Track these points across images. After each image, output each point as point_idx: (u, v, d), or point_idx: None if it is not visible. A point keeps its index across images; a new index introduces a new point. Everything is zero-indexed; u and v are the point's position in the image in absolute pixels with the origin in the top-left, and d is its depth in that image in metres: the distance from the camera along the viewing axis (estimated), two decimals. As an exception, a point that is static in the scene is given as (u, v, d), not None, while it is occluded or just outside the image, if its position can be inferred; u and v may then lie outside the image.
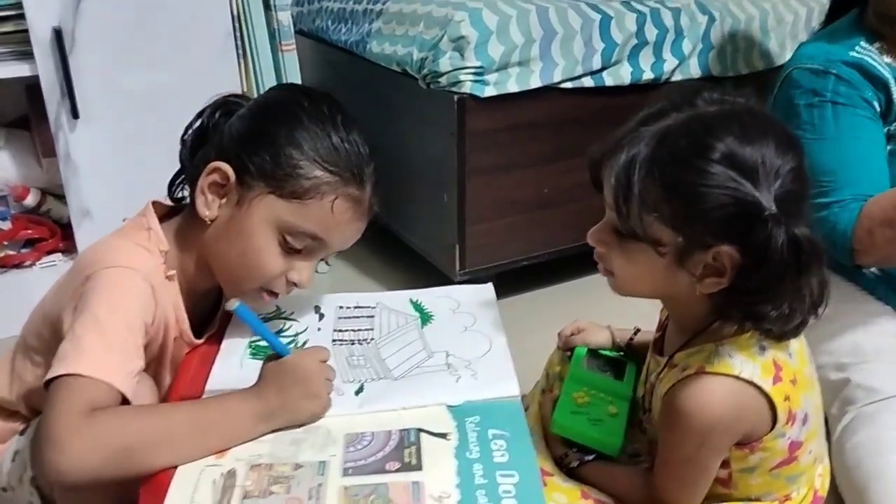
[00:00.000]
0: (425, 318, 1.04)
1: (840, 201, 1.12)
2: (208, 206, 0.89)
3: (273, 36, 1.88)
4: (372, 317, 1.04)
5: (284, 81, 1.91)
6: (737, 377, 0.79)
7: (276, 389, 0.80)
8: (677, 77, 1.84)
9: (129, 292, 0.83)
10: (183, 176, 0.97)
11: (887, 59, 1.20)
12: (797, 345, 0.86)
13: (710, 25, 1.85)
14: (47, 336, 0.90)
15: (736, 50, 1.91)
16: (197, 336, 0.96)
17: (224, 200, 0.89)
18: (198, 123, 0.94)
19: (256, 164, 0.86)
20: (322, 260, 0.95)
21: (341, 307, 1.06)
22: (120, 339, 0.80)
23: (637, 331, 1.12)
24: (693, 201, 0.74)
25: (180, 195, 0.98)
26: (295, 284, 0.92)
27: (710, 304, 0.81)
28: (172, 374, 0.95)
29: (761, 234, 0.73)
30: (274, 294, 0.94)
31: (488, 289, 1.10)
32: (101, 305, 0.80)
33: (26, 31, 1.58)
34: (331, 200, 0.87)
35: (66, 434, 0.71)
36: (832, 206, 1.12)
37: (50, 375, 0.76)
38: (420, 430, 0.80)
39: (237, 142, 0.89)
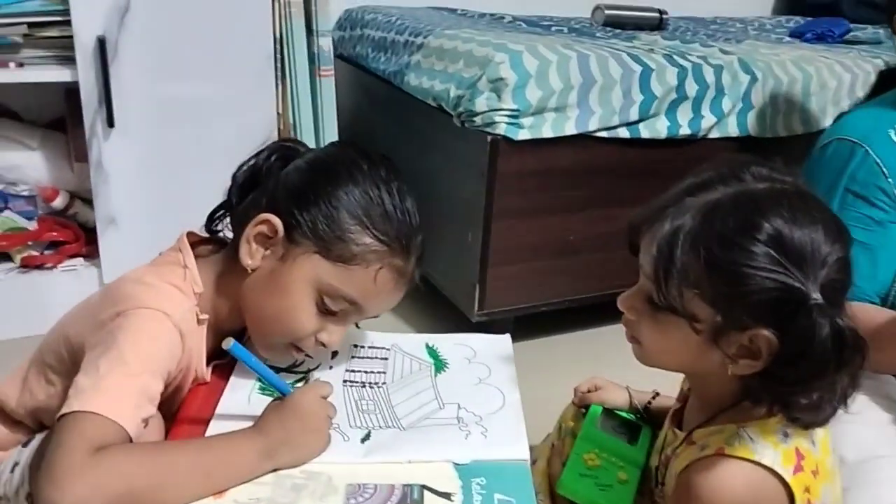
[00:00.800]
0: (439, 365, 1.02)
1: None
2: (251, 256, 0.88)
3: (312, 60, 1.89)
4: (385, 359, 1.02)
5: (320, 106, 1.92)
6: (757, 463, 0.76)
7: (277, 424, 0.79)
8: (714, 134, 1.82)
9: (159, 339, 0.82)
10: (223, 210, 0.96)
11: None
12: (822, 433, 0.83)
13: (752, 85, 1.84)
14: (66, 358, 0.89)
15: (776, 112, 1.89)
16: (207, 364, 0.95)
17: (268, 252, 0.88)
18: (252, 163, 0.93)
19: (307, 221, 0.85)
20: (354, 323, 0.94)
21: (355, 346, 1.05)
22: (142, 385, 0.79)
23: (656, 395, 1.09)
24: (736, 282, 0.72)
25: (217, 228, 0.97)
26: (323, 345, 0.91)
27: (738, 385, 0.79)
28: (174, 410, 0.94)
29: (804, 322, 0.70)
30: (301, 351, 0.93)
31: (506, 340, 1.08)
32: (129, 347, 0.79)
33: (71, 37, 1.61)
34: (376, 269, 0.86)
35: (69, 475, 0.69)
36: None
37: (66, 410, 0.74)
38: (424, 487, 0.78)
39: (290, 195, 0.87)
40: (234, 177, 0.94)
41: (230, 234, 0.96)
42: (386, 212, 0.87)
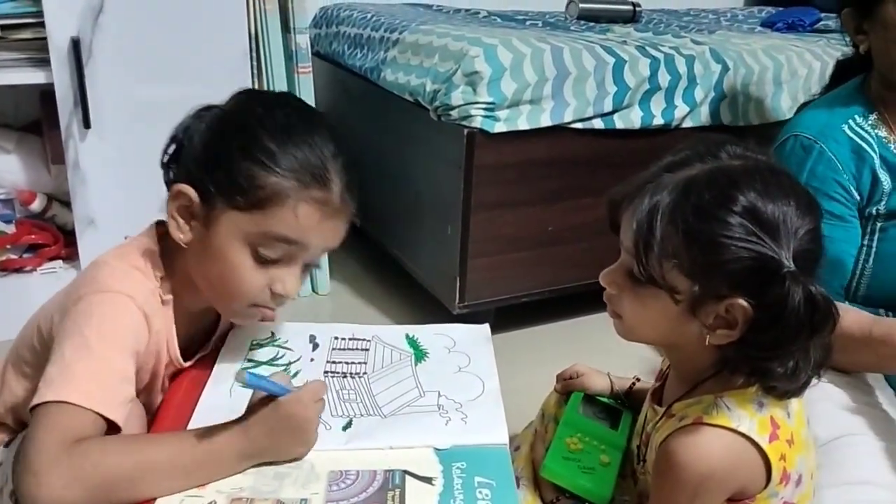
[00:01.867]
0: (420, 355, 1.03)
1: None
2: (181, 230, 0.87)
3: (290, 58, 1.89)
4: (366, 350, 1.03)
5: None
6: (734, 430, 0.79)
7: (265, 432, 0.78)
8: (688, 124, 1.84)
9: (121, 320, 0.83)
10: None
11: (882, 133, 1.19)
12: (796, 405, 0.86)
13: (724, 74, 1.86)
14: (39, 350, 0.90)
15: (748, 100, 1.92)
16: (190, 357, 0.96)
17: (194, 222, 0.87)
18: (173, 139, 0.92)
19: (214, 181, 0.84)
20: (309, 266, 0.91)
21: (336, 338, 1.06)
22: (110, 366, 0.79)
23: (637, 380, 1.11)
24: (713, 251, 0.75)
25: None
26: (281, 296, 0.88)
27: (716, 356, 0.81)
28: (160, 396, 0.95)
29: (778, 290, 0.73)
30: (266, 309, 0.92)
31: (485, 329, 1.09)
32: (93, 332, 0.79)
33: (45, 38, 1.60)
34: (293, 206, 0.83)
35: (45, 467, 0.70)
36: None
37: (36, 401, 0.75)
38: (405, 472, 0.79)
39: (194, 161, 0.87)
40: (163, 164, 0.92)
41: None
42: (286, 148, 0.84)
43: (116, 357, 0.80)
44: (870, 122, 1.20)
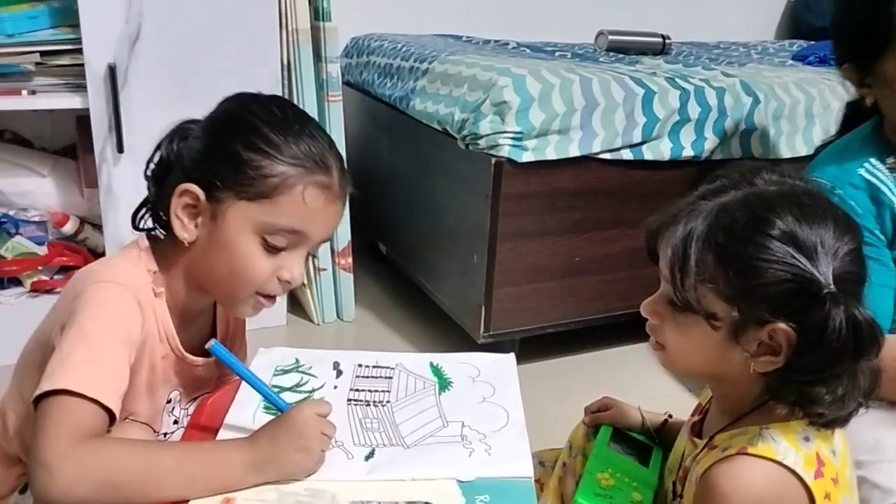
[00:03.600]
0: (444, 384, 1.02)
1: None
2: (186, 230, 0.90)
3: (321, 86, 1.92)
4: (390, 378, 1.03)
5: (328, 131, 1.94)
6: (780, 463, 0.77)
7: (268, 439, 0.80)
8: (717, 156, 1.83)
9: (117, 308, 0.85)
10: (146, 208, 0.97)
11: None
12: (842, 446, 0.84)
13: (755, 107, 1.85)
14: (38, 362, 0.90)
15: (779, 133, 1.90)
16: (198, 356, 0.97)
17: (199, 220, 0.90)
18: (157, 155, 0.95)
19: (220, 176, 0.87)
20: (311, 255, 0.95)
21: (360, 365, 1.05)
22: (108, 355, 0.81)
23: (669, 416, 1.09)
24: (750, 275, 0.74)
25: (144, 227, 0.98)
26: (288, 282, 0.92)
27: (761, 385, 0.80)
28: (168, 392, 0.95)
29: (819, 312, 0.72)
30: (271, 298, 0.93)
31: (510, 359, 1.08)
32: (90, 321, 0.82)
33: (82, 65, 1.64)
34: (300, 191, 0.87)
35: (57, 460, 0.72)
36: None
37: (38, 392, 0.77)
38: (428, 504, 0.78)
39: (198, 161, 0.90)
40: (146, 175, 0.95)
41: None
42: (287, 139, 0.88)
43: (114, 344, 0.82)
44: (888, 165, 1.17)
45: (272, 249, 0.89)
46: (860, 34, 1.16)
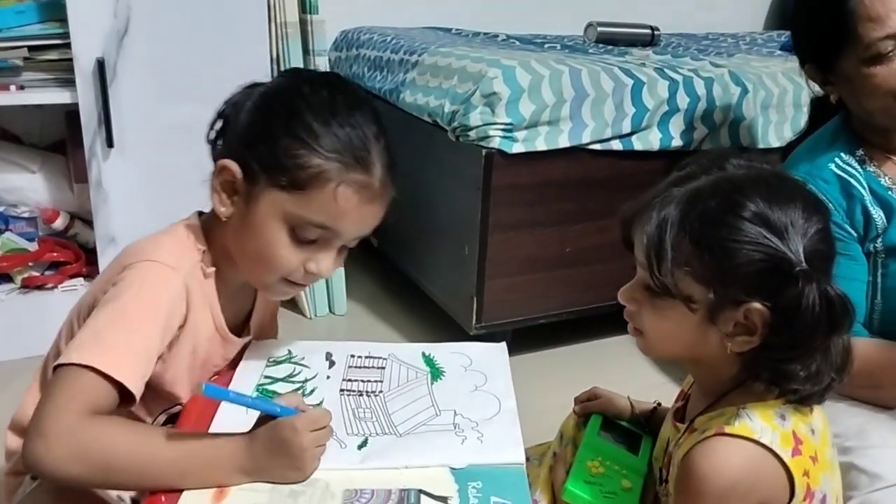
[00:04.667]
0: (436, 373, 1.03)
1: None
2: (223, 204, 0.88)
3: (309, 79, 1.91)
4: (382, 368, 1.03)
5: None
6: (756, 441, 0.78)
7: (264, 451, 0.78)
8: (707, 146, 1.84)
9: (162, 291, 0.83)
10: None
11: (870, 168, 1.18)
12: (821, 425, 0.85)
13: (743, 97, 1.86)
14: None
15: (767, 123, 1.91)
16: (239, 335, 0.97)
17: (236, 197, 0.88)
18: (219, 123, 0.92)
19: (257, 158, 0.85)
20: (345, 247, 0.91)
21: (353, 356, 1.05)
22: (144, 340, 0.80)
23: (658, 404, 1.10)
24: (723, 256, 0.76)
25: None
26: (313, 274, 0.89)
27: (738, 365, 0.82)
28: (208, 375, 0.95)
29: (793, 290, 0.74)
30: (298, 285, 0.91)
31: (501, 348, 1.09)
32: (131, 300, 0.80)
33: (70, 59, 1.63)
34: (333, 188, 0.83)
35: (56, 434, 0.72)
36: None
37: (63, 360, 0.76)
38: (421, 491, 0.79)
39: (240, 138, 0.88)
40: (209, 141, 0.93)
41: None
42: (330, 129, 0.84)
43: (150, 329, 0.81)
44: (857, 158, 1.19)
45: (302, 241, 0.86)
46: (819, 34, 1.17)
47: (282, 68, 1.87)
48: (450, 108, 1.70)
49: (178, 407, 0.95)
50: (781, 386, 0.80)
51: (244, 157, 0.86)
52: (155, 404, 0.93)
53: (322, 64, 1.91)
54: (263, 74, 1.81)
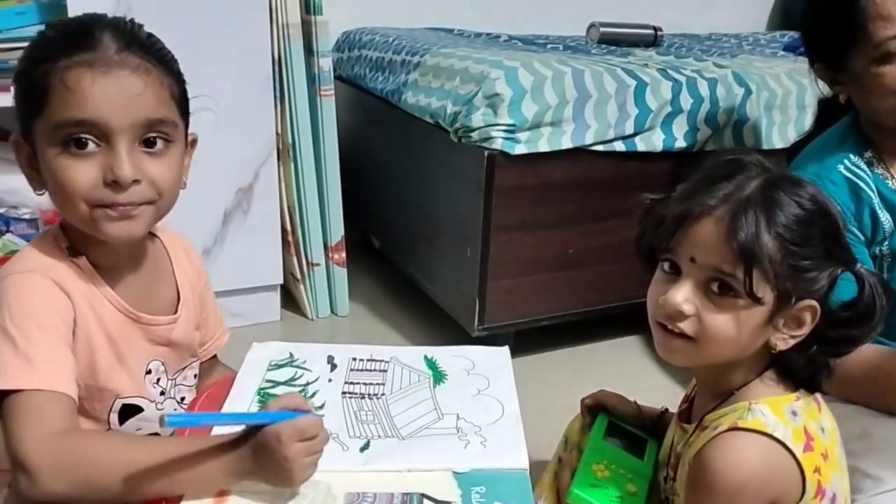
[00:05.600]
0: (438, 376, 1.02)
1: None
2: (33, 180, 0.87)
3: (312, 81, 1.91)
4: (384, 371, 1.03)
5: (321, 125, 1.93)
6: (769, 435, 0.78)
7: (251, 455, 0.76)
8: (710, 147, 1.83)
9: (32, 294, 0.82)
10: None
11: (879, 171, 1.17)
12: (829, 424, 0.86)
13: (747, 98, 1.85)
14: None
15: (771, 123, 1.90)
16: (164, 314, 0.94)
17: (37, 165, 0.85)
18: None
19: (20, 110, 0.84)
20: (149, 142, 0.84)
21: (354, 359, 1.05)
22: (34, 343, 0.78)
23: (666, 410, 1.09)
24: (803, 258, 0.79)
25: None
26: (116, 181, 0.81)
27: (761, 365, 0.85)
28: (144, 361, 0.93)
29: (858, 287, 0.81)
30: (116, 207, 0.83)
31: (504, 352, 1.08)
32: (5, 318, 0.79)
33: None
34: (60, 81, 0.79)
35: (30, 458, 0.72)
36: None
37: None
38: (423, 495, 0.78)
39: (16, 112, 0.86)
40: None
41: None
42: (47, 38, 0.83)
43: (37, 331, 0.79)
44: (865, 160, 1.18)
45: (78, 154, 0.80)
46: (829, 33, 1.17)
47: (284, 69, 1.86)
48: (452, 110, 1.70)
49: (140, 399, 0.92)
50: (813, 378, 0.84)
51: (23, 126, 0.84)
52: (102, 404, 0.90)
53: (326, 65, 1.90)
54: (265, 76, 1.82)
